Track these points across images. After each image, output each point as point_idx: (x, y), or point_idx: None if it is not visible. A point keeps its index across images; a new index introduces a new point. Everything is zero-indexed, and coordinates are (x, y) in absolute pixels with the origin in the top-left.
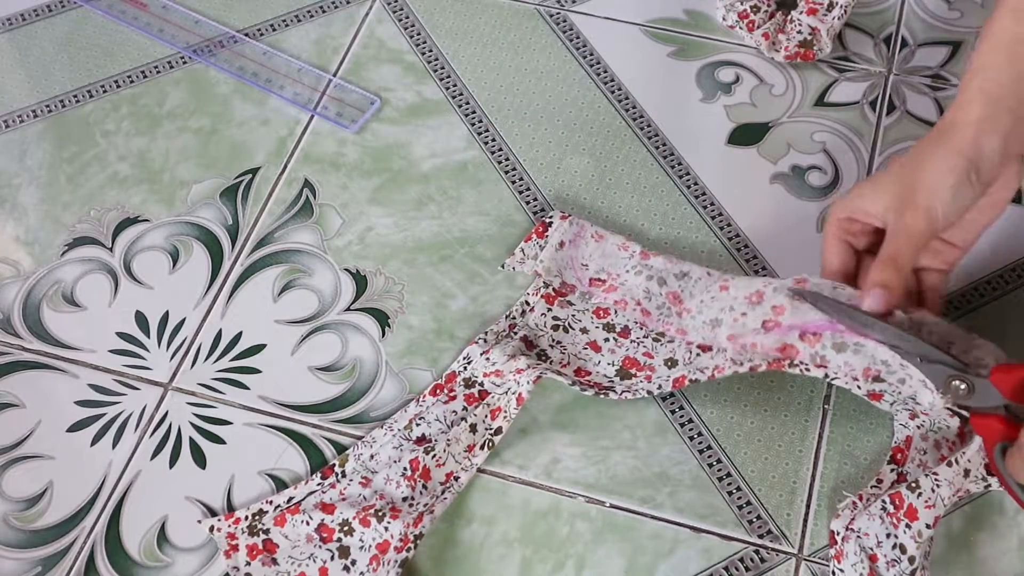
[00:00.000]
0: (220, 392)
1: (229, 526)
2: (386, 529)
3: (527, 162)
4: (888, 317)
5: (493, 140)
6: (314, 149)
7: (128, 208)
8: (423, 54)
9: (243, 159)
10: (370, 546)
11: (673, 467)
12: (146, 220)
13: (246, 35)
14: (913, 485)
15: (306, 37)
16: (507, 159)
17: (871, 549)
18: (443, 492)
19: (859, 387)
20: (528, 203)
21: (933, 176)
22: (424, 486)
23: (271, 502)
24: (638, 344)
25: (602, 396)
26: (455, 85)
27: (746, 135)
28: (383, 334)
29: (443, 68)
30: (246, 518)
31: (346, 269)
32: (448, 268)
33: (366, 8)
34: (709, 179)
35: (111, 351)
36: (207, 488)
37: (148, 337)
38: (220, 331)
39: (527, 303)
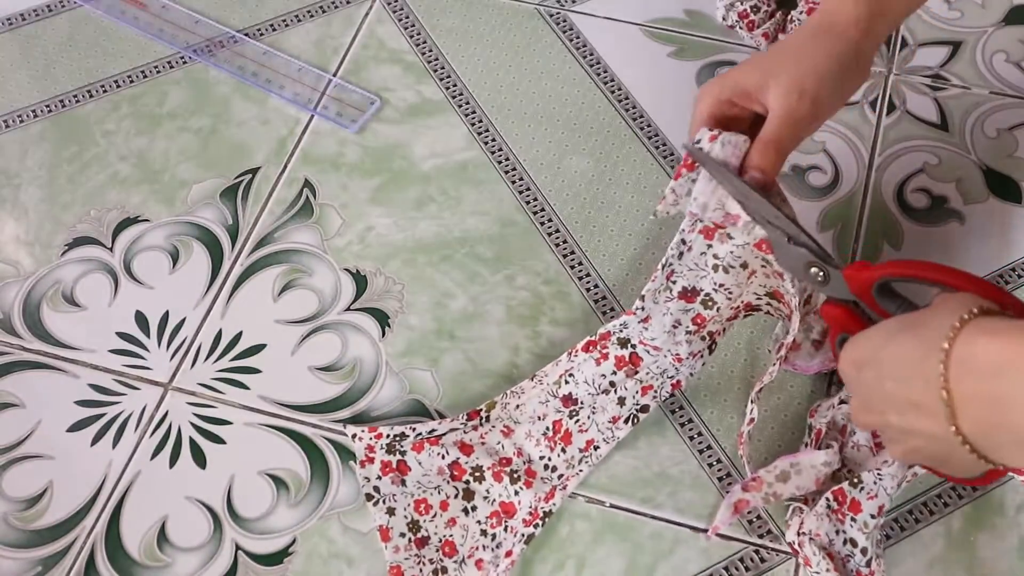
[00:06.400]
0: (220, 392)
1: (371, 439)
2: (516, 494)
3: (527, 162)
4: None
5: (493, 140)
6: (314, 149)
7: (128, 208)
8: (423, 54)
9: (243, 159)
10: (495, 500)
11: (673, 467)
12: (146, 220)
13: (246, 35)
14: (855, 481)
15: (306, 37)
16: (507, 159)
17: (826, 547)
18: (580, 461)
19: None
20: (528, 203)
21: (819, 66)
22: (563, 449)
23: (414, 428)
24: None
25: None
26: (455, 85)
27: None
28: (383, 334)
29: (443, 68)
30: (387, 436)
31: (346, 269)
32: (448, 268)
33: (366, 8)
34: None
35: (111, 351)
36: (207, 488)
37: (148, 337)
38: (220, 331)
39: (683, 242)
